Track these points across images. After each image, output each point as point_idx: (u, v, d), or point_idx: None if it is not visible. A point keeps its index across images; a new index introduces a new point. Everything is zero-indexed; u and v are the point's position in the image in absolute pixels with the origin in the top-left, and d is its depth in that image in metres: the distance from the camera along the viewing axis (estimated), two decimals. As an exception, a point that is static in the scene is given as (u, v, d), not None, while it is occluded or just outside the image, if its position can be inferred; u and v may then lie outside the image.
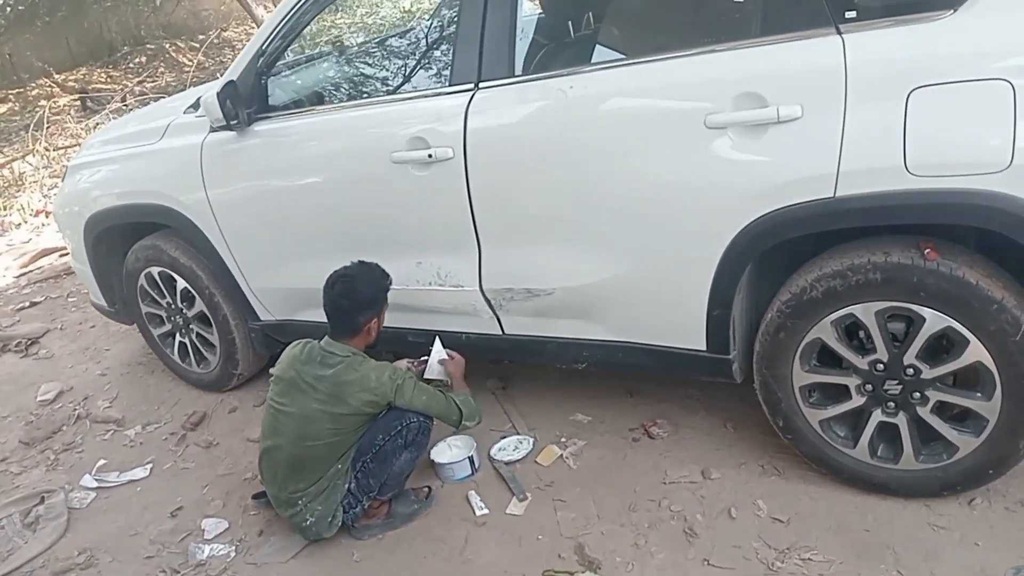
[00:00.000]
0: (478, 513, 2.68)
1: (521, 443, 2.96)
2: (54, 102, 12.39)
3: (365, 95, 3.09)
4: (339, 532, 2.67)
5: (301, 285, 3.15)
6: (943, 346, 2.19)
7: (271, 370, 2.76)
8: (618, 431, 2.94)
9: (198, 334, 3.68)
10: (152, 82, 12.92)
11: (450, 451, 2.93)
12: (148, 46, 15.01)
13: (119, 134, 3.68)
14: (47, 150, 8.76)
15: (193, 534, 2.89)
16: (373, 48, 3.15)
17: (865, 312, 2.19)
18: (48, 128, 9.24)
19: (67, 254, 4.74)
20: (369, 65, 3.06)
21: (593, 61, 2.44)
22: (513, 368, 3.37)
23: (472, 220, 2.66)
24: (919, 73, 1.93)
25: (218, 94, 2.87)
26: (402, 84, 2.92)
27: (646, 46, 2.43)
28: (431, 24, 2.70)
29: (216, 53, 13.42)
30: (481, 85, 2.56)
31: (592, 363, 2.76)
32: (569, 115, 2.40)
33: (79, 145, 7.45)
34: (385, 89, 3.03)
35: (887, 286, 2.13)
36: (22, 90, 14.12)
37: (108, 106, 10.05)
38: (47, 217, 7.10)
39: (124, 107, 10.25)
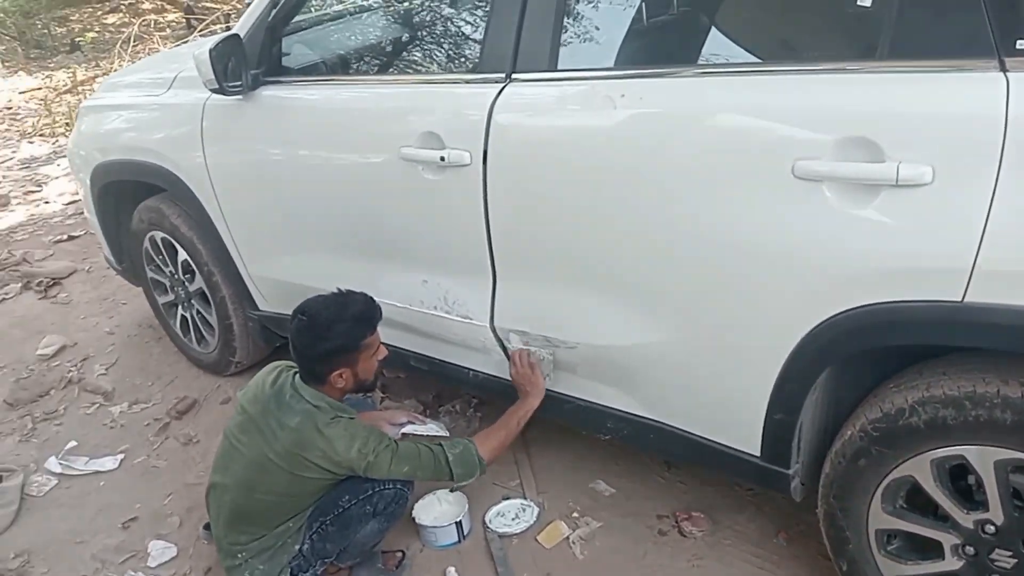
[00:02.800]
0: (452, 598, 2.20)
1: (524, 511, 2.44)
2: (162, 17, 12.29)
3: (387, 69, 2.55)
4: (289, 593, 2.24)
5: (299, 280, 2.69)
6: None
7: (239, 392, 2.32)
8: (643, 515, 2.39)
9: (198, 311, 3.29)
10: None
11: (438, 507, 2.44)
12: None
13: (134, 79, 3.27)
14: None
15: (137, 556, 2.52)
16: (410, 9, 2.59)
17: (981, 458, 1.57)
18: (136, 46, 9.01)
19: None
20: (400, 30, 2.52)
21: (659, 64, 1.85)
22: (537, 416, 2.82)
23: (488, 244, 2.13)
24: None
25: (212, 51, 2.39)
26: (427, 62, 2.38)
27: (729, 53, 1.83)
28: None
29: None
30: (515, 76, 2.00)
31: (617, 437, 2.21)
32: (615, 130, 1.82)
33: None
34: (409, 64, 2.49)
35: (1019, 432, 1.50)
36: (135, 1, 14.08)
37: (198, 28, 9.71)
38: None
39: (225, 28, 9.96)
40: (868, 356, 1.74)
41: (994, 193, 1.38)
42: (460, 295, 2.29)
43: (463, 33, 2.29)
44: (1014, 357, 1.53)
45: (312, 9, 2.64)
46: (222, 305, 3.11)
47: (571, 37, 1.96)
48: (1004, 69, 1.37)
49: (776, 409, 1.80)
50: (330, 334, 2.07)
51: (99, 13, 13.53)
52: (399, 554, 2.34)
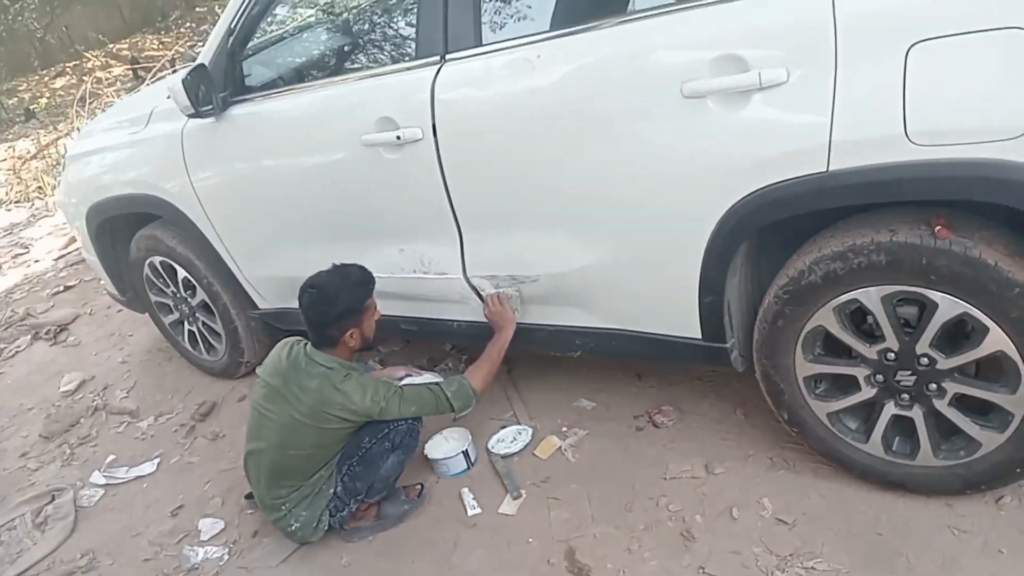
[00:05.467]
0: (470, 513, 2.54)
1: (520, 434, 2.80)
2: (108, 73, 12.50)
3: (337, 72, 2.90)
4: (329, 534, 2.58)
5: (291, 273, 3.00)
6: (961, 333, 1.93)
7: (258, 369, 2.67)
8: (622, 419, 2.75)
9: (203, 323, 3.61)
10: (204, 45, 12.77)
11: (446, 444, 2.79)
12: (198, 8, 14.99)
13: (112, 121, 3.59)
14: (91, 126, 8.78)
15: (190, 535, 2.85)
16: (348, 17, 2.94)
17: (870, 297, 1.94)
18: (91, 103, 9.26)
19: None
20: (342, 37, 2.86)
21: (566, 24, 2.20)
22: (517, 350, 3.18)
23: (450, 205, 2.48)
24: (920, 24, 1.65)
25: (184, 80, 2.72)
26: (371, 58, 2.73)
27: (620, 5, 2.19)
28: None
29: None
30: (448, 57, 2.35)
31: (586, 351, 2.57)
32: (537, 87, 2.18)
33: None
34: (356, 64, 2.83)
35: (893, 269, 1.87)
36: (79, 63, 14.28)
37: (149, 74, 9.96)
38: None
39: (172, 73, 10.19)
40: (775, 238, 2.11)
41: (835, 79, 1.75)
42: (434, 255, 2.64)
43: (399, 27, 2.64)
44: (880, 209, 1.90)
45: (265, 32, 2.96)
46: (225, 311, 3.44)
47: (490, 14, 2.31)
48: (828, -22, 1.74)
49: (705, 293, 2.16)
50: (338, 300, 2.43)
51: (47, 79, 13.73)
52: (419, 486, 2.68)
